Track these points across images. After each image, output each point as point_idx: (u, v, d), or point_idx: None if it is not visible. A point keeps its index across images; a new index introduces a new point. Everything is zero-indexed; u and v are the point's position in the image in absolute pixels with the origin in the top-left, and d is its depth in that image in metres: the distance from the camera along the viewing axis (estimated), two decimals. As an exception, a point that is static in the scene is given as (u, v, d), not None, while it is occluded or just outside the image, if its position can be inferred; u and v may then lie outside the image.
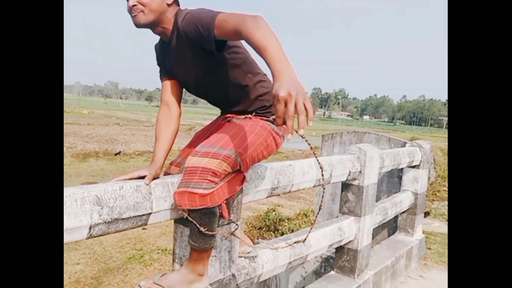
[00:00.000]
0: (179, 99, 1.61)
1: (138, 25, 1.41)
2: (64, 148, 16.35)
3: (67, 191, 1.05)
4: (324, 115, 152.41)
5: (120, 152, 16.36)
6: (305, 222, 7.50)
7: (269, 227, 7.52)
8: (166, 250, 6.59)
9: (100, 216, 1.08)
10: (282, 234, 6.86)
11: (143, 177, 1.30)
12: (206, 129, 1.70)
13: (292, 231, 6.73)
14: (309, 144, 1.24)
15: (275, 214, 7.90)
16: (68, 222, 1.01)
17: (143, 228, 7.35)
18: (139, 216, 1.21)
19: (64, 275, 5.75)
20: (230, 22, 1.20)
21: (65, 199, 1.02)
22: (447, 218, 5.76)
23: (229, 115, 1.61)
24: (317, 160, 1.44)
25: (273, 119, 0.96)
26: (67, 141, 18.75)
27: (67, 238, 1.04)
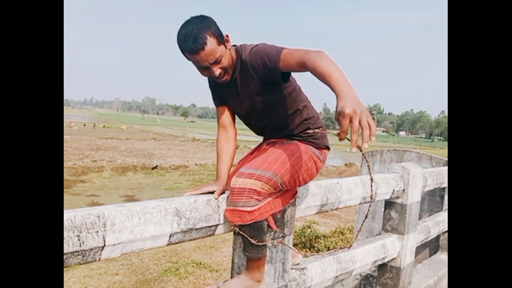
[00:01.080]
0: (233, 121, 1.76)
1: (226, 82, 1.57)
2: (104, 162, 17.07)
3: (153, 203, 1.21)
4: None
5: (157, 166, 16.84)
6: (341, 240, 7.43)
7: (305, 244, 7.51)
8: (200, 263, 6.66)
9: (178, 226, 1.24)
10: (318, 251, 6.83)
11: (211, 192, 1.46)
12: (251, 153, 1.83)
13: (328, 248, 6.70)
14: (366, 160, 1.35)
15: (311, 231, 7.88)
16: (154, 230, 1.18)
17: (179, 241, 7.51)
18: (209, 226, 1.36)
19: (103, 285, 5.99)
20: (294, 55, 1.36)
21: (151, 210, 1.18)
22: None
23: (272, 140, 1.73)
24: (370, 175, 1.54)
25: (336, 134, 1.07)
26: (107, 155, 19.55)
27: (151, 244, 1.20)
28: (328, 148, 1.75)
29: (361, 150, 1.13)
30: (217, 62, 1.46)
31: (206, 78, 1.69)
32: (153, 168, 16.48)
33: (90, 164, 16.54)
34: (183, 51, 1.45)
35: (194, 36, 1.39)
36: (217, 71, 1.49)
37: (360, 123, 1.05)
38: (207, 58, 1.44)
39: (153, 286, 6.10)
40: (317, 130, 1.55)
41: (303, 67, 1.32)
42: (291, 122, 1.65)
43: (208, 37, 1.41)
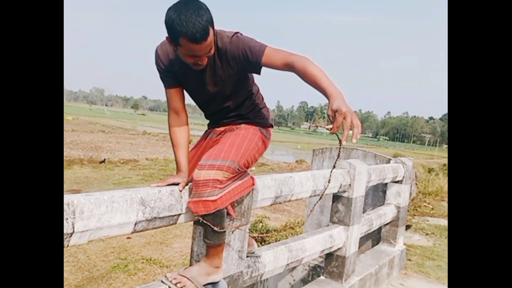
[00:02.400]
0: (184, 106, 1.76)
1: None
2: (48, 154, 16.21)
3: (119, 193, 1.27)
4: (309, 128, 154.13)
5: (105, 160, 16.32)
6: (291, 234, 7.68)
7: (256, 238, 7.68)
8: (150, 259, 6.56)
9: (143, 214, 1.31)
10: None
11: (176, 184, 1.53)
12: (199, 144, 1.88)
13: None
14: (339, 152, 1.55)
15: (262, 225, 8.07)
16: (120, 218, 1.24)
17: (128, 238, 7.37)
18: (172, 216, 1.44)
19: (47, 283, 5.77)
20: (279, 54, 1.47)
21: (118, 199, 1.24)
22: (426, 232, 6.09)
23: (221, 129, 1.80)
24: (334, 164, 1.72)
25: (329, 128, 1.25)
26: (52, 147, 18.56)
27: (117, 231, 1.26)
28: (272, 126, 1.88)
29: (340, 145, 1.32)
30: (209, 51, 1.47)
31: (156, 68, 1.64)
32: (101, 162, 15.94)
33: (33, 156, 15.63)
34: (180, 35, 1.38)
35: (199, 24, 1.36)
36: (205, 59, 1.49)
37: (352, 122, 1.24)
38: (206, 48, 1.43)
39: (101, 283, 5.93)
40: (323, 125, 1.60)
41: (288, 67, 1.45)
42: (246, 103, 1.76)
43: (210, 27, 1.40)
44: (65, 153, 17.06)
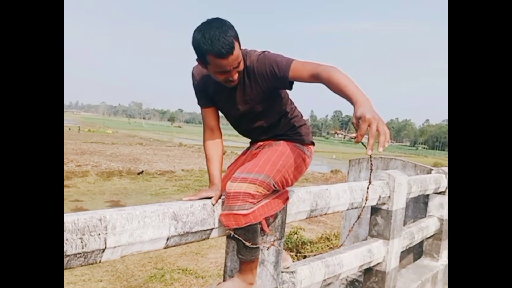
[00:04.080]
0: (219, 123, 1.78)
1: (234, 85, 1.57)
2: (89, 167, 16.85)
3: (151, 208, 1.26)
4: (344, 138, 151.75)
5: (142, 171, 16.72)
6: (327, 246, 7.51)
7: (291, 249, 7.57)
8: (186, 270, 6.61)
9: (176, 229, 1.29)
10: (305, 257, 6.88)
11: (208, 198, 1.51)
12: (239, 158, 1.87)
13: (315, 255, 6.75)
14: (371, 165, 1.44)
15: (297, 237, 7.95)
16: (152, 233, 1.22)
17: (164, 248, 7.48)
18: (205, 230, 1.41)
19: (87, 292, 5.91)
20: (307, 66, 1.44)
21: (150, 214, 1.23)
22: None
23: (260, 143, 1.78)
24: (370, 178, 1.61)
25: (353, 137, 1.16)
26: (92, 159, 19.31)
27: (149, 247, 1.24)
28: (313, 144, 1.82)
29: (370, 157, 1.23)
30: (238, 66, 1.49)
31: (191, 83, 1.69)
32: (139, 173, 16.35)
33: (75, 168, 16.32)
34: (207, 53, 1.42)
35: (223, 39, 1.39)
36: (235, 75, 1.51)
37: (377, 129, 1.14)
38: (233, 62, 1.45)
39: (138, 293, 6.04)
40: (343, 133, 1.49)
41: (315, 78, 1.40)
42: (281, 122, 1.72)
43: (234, 41, 1.42)
44: (105, 165, 17.67)
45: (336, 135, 1.73)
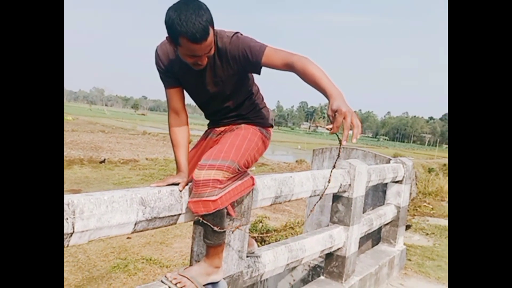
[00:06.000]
0: (184, 106, 1.76)
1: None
2: (48, 154, 16.20)
3: (119, 193, 1.27)
4: (309, 128, 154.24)
5: (105, 160, 16.30)
6: (291, 234, 7.67)
7: (256, 238, 7.68)
8: (150, 259, 6.54)
9: (143, 214, 1.31)
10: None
11: (175, 184, 1.53)
12: (200, 144, 1.88)
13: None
14: (339, 152, 1.54)
15: (262, 225, 8.07)
16: (120, 218, 1.24)
17: (128, 237, 7.37)
18: (172, 216, 1.44)
19: (47, 283, 5.76)
20: (280, 54, 1.48)
21: (118, 199, 1.24)
22: (426, 232, 6.09)
23: (221, 129, 1.80)
24: (332, 168, 1.71)
25: (329, 128, 1.25)
26: (51, 147, 18.56)
27: (117, 231, 1.26)
28: (272, 126, 1.88)
29: (340, 145, 1.31)
30: (209, 51, 1.48)
31: (156, 69, 1.64)
32: (101, 162, 15.93)
33: (33, 156, 15.62)
34: (180, 35, 1.38)
35: (199, 24, 1.36)
36: (205, 60, 1.50)
37: (352, 122, 1.24)
38: (206, 48, 1.44)
39: (101, 283, 5.91)
40: (323, 125, 1.59)
41: (288, 67, 1.45)
42: (245, 104, 1.76)
43: (209, 27, 1.40)
44: (65, 153, 17.03)
45: (316, 128, 1.82)
